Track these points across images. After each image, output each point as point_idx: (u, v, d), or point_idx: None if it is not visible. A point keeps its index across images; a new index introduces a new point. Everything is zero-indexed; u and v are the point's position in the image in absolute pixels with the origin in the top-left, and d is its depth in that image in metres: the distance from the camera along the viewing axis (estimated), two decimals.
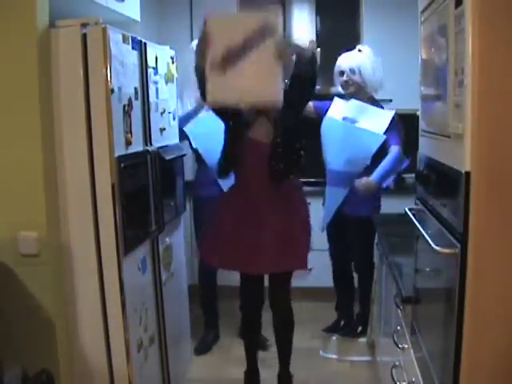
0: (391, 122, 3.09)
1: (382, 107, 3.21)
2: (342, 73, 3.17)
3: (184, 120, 3.10)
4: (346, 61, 3.16)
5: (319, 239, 3.21)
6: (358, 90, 3.16)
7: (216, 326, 3.46)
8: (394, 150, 3.05)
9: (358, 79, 3.12)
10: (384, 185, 3.18)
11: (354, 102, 3.18)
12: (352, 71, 3.12)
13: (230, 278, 3.11)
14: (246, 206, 2.49)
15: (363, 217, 3.13)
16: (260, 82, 2.10)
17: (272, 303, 2.69)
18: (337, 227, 3.27)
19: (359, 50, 3.20)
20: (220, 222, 2.58)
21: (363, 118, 3.11)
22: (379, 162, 3.05)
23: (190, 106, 3.16)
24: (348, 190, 3.13)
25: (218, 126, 3.05)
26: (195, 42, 3.19)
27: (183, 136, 3.15)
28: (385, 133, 3.06)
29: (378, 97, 3.28)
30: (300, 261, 2.55)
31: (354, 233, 3.25)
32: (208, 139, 2.99)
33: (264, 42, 2.05)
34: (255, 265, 2.48)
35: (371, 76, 3.12)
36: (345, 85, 3.18)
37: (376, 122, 3.09)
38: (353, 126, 3.11)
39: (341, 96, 3.28)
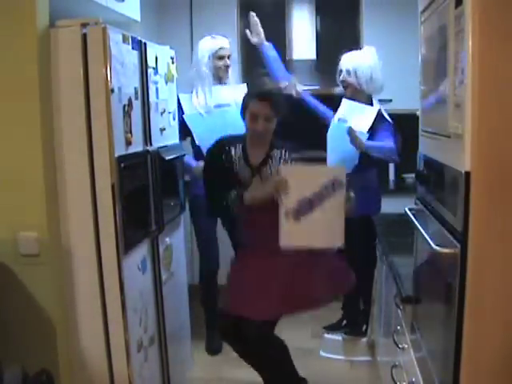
0: (376, 118, 3.09)
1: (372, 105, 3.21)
2: (340, 72, 3.18)
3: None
4: (344, 61, 3.17)
5: None
6: (354, 91, 3.16)
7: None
8: (389, 141, 3.05)
9: (352, 81, 3.12)
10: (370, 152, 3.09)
11: (345, 102, 3.19)
12: (348, 72, 3.12)
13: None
14: (269, 261, 2.42)
15: (361, 216, 3.14)
16: (328, 230, 2.35)
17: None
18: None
19: (361, 51, 3.20)
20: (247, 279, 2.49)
21: (352, 118, 3.13)
22: (368, 162, 3.06)
23: (199, 104, 3.21)
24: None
25: (222, 124, 3.07)
26: (206, 41, 3.23)
27: (186, 132, 3.16)
28: (370, 130, 3.06)
29: (378, 97, 3.28)
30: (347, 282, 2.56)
31: (352, 232, 3.24)
32: (212, 137, 3.01)
33: (334, 194, 2.29)
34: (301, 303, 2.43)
35: (368, 78, 3.11)
36: (341, 84, 3.20)
37: (361, 120, 3.11)
38: (343, 125, 3.13)
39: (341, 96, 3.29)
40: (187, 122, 3.18)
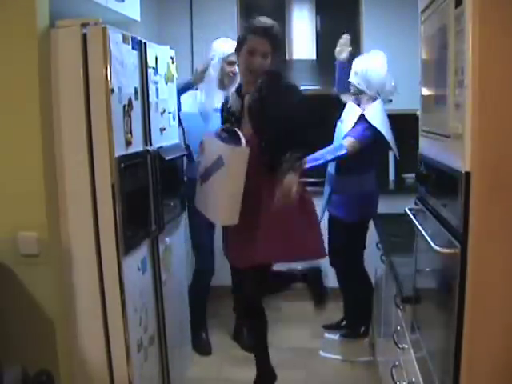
0: (358, 118, 3.10)
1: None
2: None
3: (182, 89, 3.12)
4: (355, 63, 3.17)
5: None
6: (358, 92, 3.17)
7: (205, 326, 3.42)
8: (342, 141, 3.06)
9: (358, 82, 3.12)
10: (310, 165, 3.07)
11: (348, 104, 3.22)
12: (355, 74, 3.13)
13: (222, 278, 3.13)
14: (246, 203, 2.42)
15: (338, 217, 3.16)
16: (211, 203, 2.47)
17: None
18: (329, 227, 3.28)
19: (371, 55, 3.20)
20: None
21: (346, 118, 3.16)
22: (350, 169, 3.10)
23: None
24: (330, 189, 3.22)
25: (214, 124, 3.06)
26: (220, 43, 3.19)
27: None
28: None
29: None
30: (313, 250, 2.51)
31: (338, 235, 3.25)
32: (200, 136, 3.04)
33: (216, 171, 2.38)
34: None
35: (374, 81, 3.11)
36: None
37: (349, 120, 3.14)
38: (338, 126, 3.19)
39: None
40: (181, 120, 3.17)
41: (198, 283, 3.33)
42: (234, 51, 3.11)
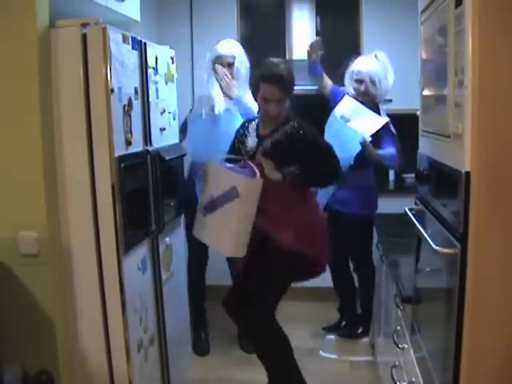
0: (384, 128, 3.09)
1: (380, 114, 3.21)
2: (359, 81, 3.16)
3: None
4: (361, 66, 3.14)
5: None
6: (368, 97, 3.16)
7: (206, 325, 3.43)
8: (391, 150, 3.09)
9: (372, 89, 3.13)
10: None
11: (350, 100, 3.19)
12: (372, 82, 3.12)
13: (223, 278, 3.12)
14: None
15: (349, 213, 3.15)
16: (218, 235, 2.41)
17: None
18: (330, 225, 3.27)
19: (376, 57, 3.19)
20: None
21: (356, 119, 3.12)
22: (364, 164, 3.08)
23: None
24: (336, 187, 3.15)
25: (215, 129, 3.05)
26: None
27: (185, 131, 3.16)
28: (372, 136, 3.06)
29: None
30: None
31: (346, 231, 3.24)
32: (199, 139, 3.03)
33: (228, 202, 2.33)
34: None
35: (383, 85, 3.13)
36: (358, 91, 3.18)
37: (366, 124, 3.11)
38: (344, 124, 3.13)
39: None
40: (187, 120, 3.18)
41: (192, 272, 3.29)
42: (219, 54, 3.12)
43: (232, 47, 3.19)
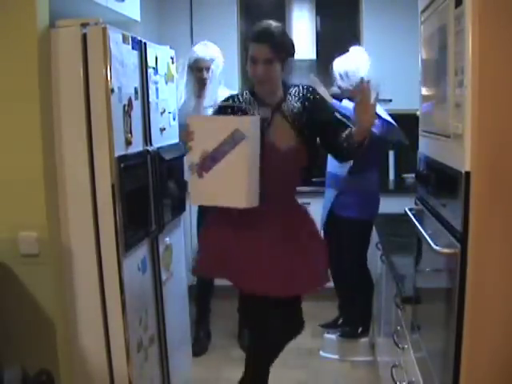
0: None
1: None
2: (334, 76, 3.18)
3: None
4: (336, 66, 3.16)
5: None
6: (351, 93, 3.16)
7: (208, 325, 3.45)
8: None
9: (345, 84, 3.12)
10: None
11: (346, 103, 3.20)
12: (340, 76, 3.13)
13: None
14: (246, 220, 2.24)
15: (350, 217, 3.16)
16: (230, 188, 2.12)
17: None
18: (330, 228, 3.28)
19: (349, 53, 3.19)
20: (218, 235, 2.34)
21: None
22: (365, 168, 3.07)
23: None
24: (337, 191, 3.18)
25: None
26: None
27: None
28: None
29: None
30: (318, 279, 2.40)
31: (343, 234, 3.25)
32: None
33: (234, 148, 2.06)
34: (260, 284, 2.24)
35: (351, 76, 3.11)
36: (338, 88, 3.20)
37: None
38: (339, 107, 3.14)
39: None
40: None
41: (200, 279, 3.34)
42: (197, 57, 3.11)
43: (211, 51, 3.21)
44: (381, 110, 3.07)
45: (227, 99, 2.38)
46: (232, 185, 2.11)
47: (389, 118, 3.08)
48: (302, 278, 2.29)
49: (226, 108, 2.30)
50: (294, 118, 2.26)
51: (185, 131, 2.14)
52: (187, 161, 2.17)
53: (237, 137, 2.05)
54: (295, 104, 2.28)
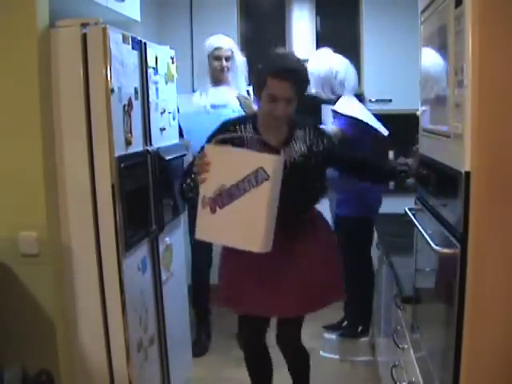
0: (333, 116, 3.12)
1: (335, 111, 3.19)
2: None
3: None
4: (313, 70, 3.16)
5: None
6: (325, 97, 3.16)
7: (208, 326, 3.44)
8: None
9: (312, 89, 3.11)
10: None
11: (324, 107, 3.23)
12: (316, 82, 3.13)
13: None
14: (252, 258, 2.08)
15: (346, 216, 3.16)
16: (245, 229, 1.96)
17: (283, 345, 2.46)
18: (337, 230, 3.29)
19: (312, 57, 3.22)
20: (235, 266, 2.29)
21: (328, 121, 3.18)
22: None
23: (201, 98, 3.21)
24: (335, 192, 3.21)
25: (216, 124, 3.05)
26: (207, 40, 3.19)
27: (180, 132, 3.16)
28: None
29: (378, 97, 3.28)
30: (336, 291, 2.38)
31: (341, 233, 3.25)
32: (202, 137, 3.02)
33: (255, 187, 1.91)
34: (283, 307, 2.22)
35: (317, 81, 3.09)
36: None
37: (328, 123, 3.14)
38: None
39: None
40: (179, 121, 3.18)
41: (196, 273, 3.35)
42: (218, 46, 3.14)
43: (228, 41, 3.25)
44: (350, 106, 3.07)
45: (226, 124, 2.25)
46: (247, 226, 1.95)
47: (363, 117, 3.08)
48: (317, 293, 2.26)
49: (224, 139, 2.09)
50: (299, 160, 2.19)
51: (201, 160, 1.97)
52: (201, 192, 2.01)
53: (260, 176, 1.90)
54: (302, 147, 2.19)
